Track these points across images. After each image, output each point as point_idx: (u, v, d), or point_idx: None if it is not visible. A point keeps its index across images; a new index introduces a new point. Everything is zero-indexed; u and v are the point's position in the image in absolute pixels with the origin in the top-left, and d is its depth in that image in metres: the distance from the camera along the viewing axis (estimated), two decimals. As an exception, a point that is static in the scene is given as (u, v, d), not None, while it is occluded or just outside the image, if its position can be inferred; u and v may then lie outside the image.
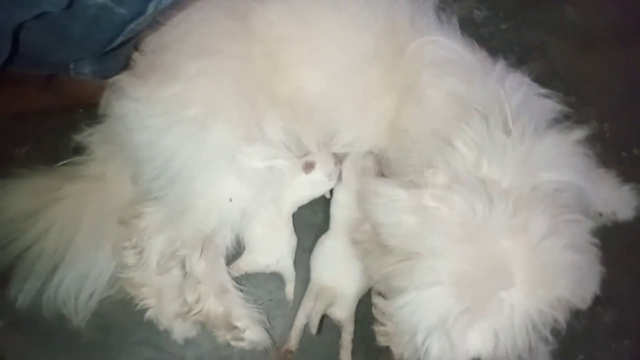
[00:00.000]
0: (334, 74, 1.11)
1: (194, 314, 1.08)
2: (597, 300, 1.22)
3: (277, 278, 1.20)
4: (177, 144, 1.05)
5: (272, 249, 1.17)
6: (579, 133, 0.96)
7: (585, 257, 0.86)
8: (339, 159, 1.22)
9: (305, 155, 1.21)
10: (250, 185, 1.09)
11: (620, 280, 1.23)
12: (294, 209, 1.22)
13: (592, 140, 1.00)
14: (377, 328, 0.97)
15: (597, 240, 0.89)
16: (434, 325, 0.82)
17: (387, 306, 0.92)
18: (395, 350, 0.93)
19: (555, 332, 0.87)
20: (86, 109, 1.24)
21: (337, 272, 1.14)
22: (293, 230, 1.21)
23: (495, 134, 0.90)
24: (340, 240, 1.16)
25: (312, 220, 1.26)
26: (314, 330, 1.12)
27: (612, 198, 1.22)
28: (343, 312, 1.13)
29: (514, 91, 0.98)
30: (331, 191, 1.24)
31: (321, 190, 1.23)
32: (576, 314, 1.19)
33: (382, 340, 0.97)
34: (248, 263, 1.17)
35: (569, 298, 0.85)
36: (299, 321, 1.14)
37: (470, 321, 0.81)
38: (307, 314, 1.14)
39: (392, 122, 1.10)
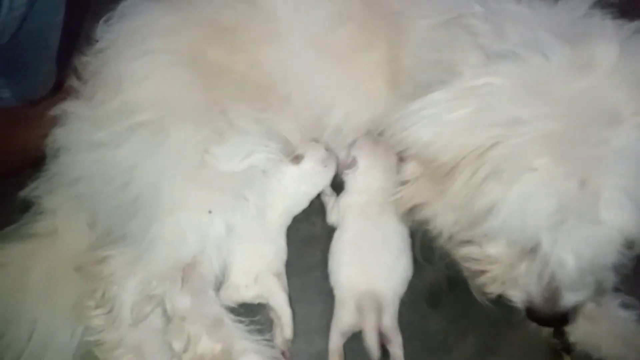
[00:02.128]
0: (304, 44, 0.97)
1: (188, 364, 0.84)
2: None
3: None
4: (131, 158, 0.88)
5: (251, 265, 0.93)
6: None
7: None
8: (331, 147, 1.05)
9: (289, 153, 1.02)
10: (228, 191, 0.91)
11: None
12: (289, 216, 1.02)
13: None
14: (479, 281, 0.82)
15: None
16: (556, 220, 0.64)
17: (481, 247, 0.77)
18: (514, 291, 0.77)
19: None
20: (35, 167, 1.07)
21: (370, 270, 0.92)
22: (284, 244, 0.99)
23: (503, 6, 0.78)
24: (361, 230, 0.96)
25: (311, 232, 1.07)
26: (375, 354, 0.87)
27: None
28: (389, 318, 0.90)
29: None
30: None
31: (318, 182, 1.03)
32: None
33: (492, 290, 0.80)
34: (227, 289, 0.93)
35: None
36: (334, 343, 0.90)
37: (595, 192, 0.64)
38: (343, 332, 0.90)
39: (386, 82, 0.95)
